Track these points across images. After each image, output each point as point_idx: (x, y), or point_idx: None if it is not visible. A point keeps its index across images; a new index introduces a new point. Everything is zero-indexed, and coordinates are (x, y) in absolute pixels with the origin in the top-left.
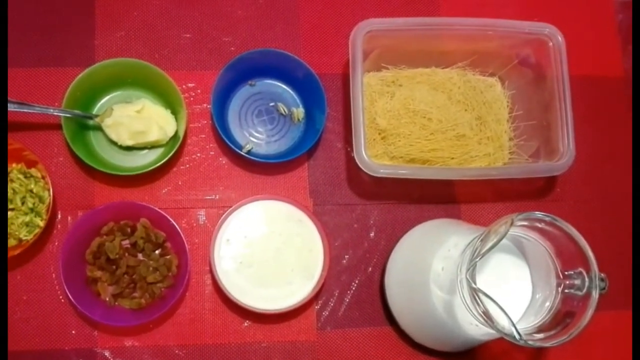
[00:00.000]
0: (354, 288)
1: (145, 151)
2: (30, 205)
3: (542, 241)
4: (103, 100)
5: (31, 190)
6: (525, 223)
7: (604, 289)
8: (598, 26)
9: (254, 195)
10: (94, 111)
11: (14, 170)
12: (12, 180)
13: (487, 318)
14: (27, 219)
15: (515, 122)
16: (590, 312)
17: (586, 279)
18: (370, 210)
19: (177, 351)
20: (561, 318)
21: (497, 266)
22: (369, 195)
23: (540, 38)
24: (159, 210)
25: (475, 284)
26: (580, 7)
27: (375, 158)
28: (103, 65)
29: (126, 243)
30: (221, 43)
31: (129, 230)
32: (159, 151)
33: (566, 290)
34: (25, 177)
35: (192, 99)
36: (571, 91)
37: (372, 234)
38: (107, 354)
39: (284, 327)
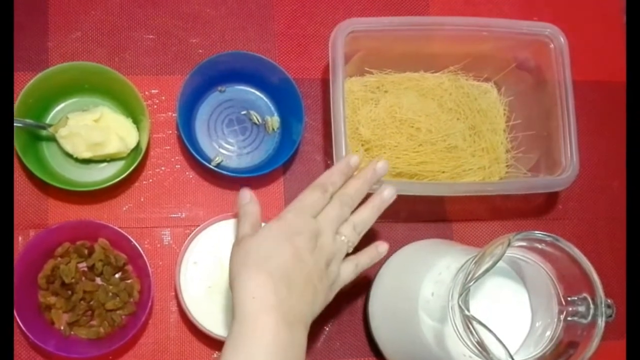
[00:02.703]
0: (334, 316)
1: (104, 164)
2: None
3: (542, 264)
4: (57, 109)
5: None
6: (523, 244)
7: (610, 316)
8: (604, 26)
9: (224, 213)
10: (48, 120)
11: None
12: None
13: (482, 349)
14: None
15: (512, 132)
16: (595, 342)
17: (591, 306)
18: None
19: None
20: (563, 349)
21: (493, 291)
22: None
23: (541, 39)
24: (119, 230)
25: (468, 310)
26: (584, 5)
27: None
28: (57, 70)
29: (83, 266)
30: (188, 45)
31: (86, 251)
32: (119, 164)
33: (569, 318)
34: None
35: (155, 106)
36: (574, 98)
37: None
38: None
39: None
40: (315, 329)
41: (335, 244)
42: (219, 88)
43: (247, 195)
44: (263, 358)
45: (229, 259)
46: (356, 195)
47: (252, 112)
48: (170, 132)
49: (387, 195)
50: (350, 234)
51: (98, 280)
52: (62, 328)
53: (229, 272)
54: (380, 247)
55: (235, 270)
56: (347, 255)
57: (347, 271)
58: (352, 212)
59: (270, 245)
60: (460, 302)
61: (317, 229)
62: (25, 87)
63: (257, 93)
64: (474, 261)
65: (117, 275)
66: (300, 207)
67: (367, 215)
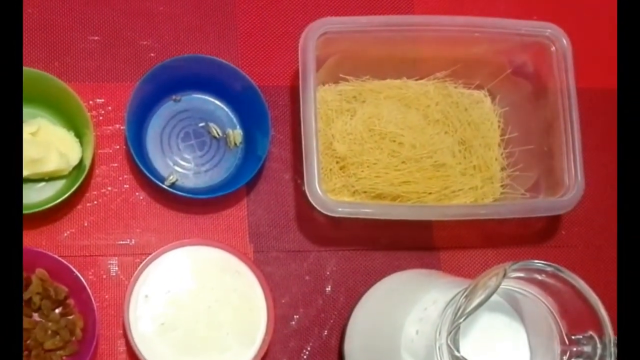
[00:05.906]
0: (305, 357)
1: (42, 184)
2: None
3: (542, 297)
4: None
5: None
6: (521, 274)
7: None
8: (611, 27)
9: (179, 240)
10: None
11: None
12: None
13: None
14: None
15: (508, 147)
16: None
17: (598, 345)
18: (326, 258)
19: None
20: None
21: (486, 329)
22: (325, 240)
23: (540, 41)
24: (60, 259)
25: (458, 351)
26: (589, 3)
27: (332, 193)
28: None
29: None
30: (138, 48)
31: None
32: (59, 184)
33: (573, 359)
34: None
35: (101, 118)
36: (579, 108)
37: (328, 289)
38: None
39: None
40: None
41: None
42: (174, 97)
43: None
44: None
45: None
46: None
47: (211, 124)
48: (118, 147)
49: None
50: None
51: (35, 316)
52: None
53: None
54: None
55: None
56: None
57: None
58: None
59: None
60: (449, 341)
61: None
62: None
63: (217, 103)
64: (464, 294)
65: (57, 311)
66: None
67: None
